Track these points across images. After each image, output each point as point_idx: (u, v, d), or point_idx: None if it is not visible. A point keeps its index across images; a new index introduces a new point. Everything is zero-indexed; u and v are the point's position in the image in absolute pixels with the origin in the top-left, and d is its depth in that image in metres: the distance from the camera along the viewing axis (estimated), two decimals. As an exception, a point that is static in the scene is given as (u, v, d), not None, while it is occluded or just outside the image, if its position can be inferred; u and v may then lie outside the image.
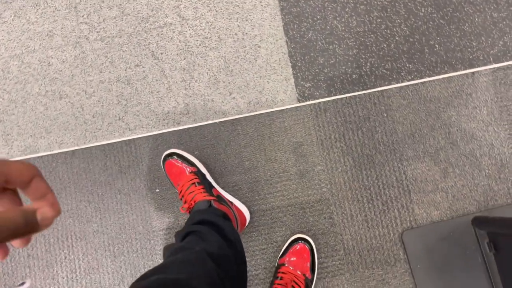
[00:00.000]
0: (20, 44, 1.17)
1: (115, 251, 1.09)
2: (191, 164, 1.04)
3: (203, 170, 1.06)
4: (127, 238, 1.09)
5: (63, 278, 1.08)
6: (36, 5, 1.18)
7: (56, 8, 1.17)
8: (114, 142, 1.12)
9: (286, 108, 1.12)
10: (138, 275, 1.02)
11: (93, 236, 1.10)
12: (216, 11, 1.16)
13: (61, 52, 1.16)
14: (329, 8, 1.15)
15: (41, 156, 1.13)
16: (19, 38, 1.17)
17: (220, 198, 0.99)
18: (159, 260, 1.07)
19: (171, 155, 1.04)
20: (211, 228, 0.81)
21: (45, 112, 1.14)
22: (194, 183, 0.98)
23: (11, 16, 1.18)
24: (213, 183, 1.05)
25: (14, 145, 1.13)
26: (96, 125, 1.13)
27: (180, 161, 1.03)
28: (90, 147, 1.12)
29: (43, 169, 1.12)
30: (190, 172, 1.01)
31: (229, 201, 1.04)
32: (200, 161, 1.08)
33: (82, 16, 1.17)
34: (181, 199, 0.98)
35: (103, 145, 1.12)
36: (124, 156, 1.12)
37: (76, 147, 1.12)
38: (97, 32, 1.16)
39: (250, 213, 1.08)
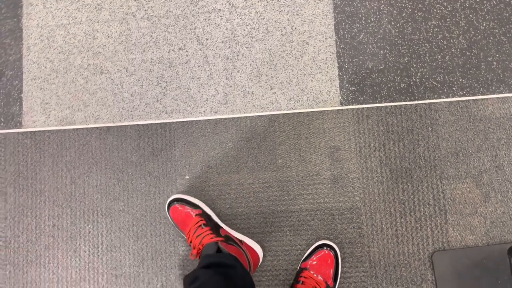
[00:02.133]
0: (68, 14, 1.23)
1: (139, 233, 1.15)
2: (196, 207, 1.09)
3: (208, 211, 1.11)
4: (151, 221, 1.14)
5: (85, 252, 1.15)
6: (88, -23, 1.23)
7: (107, -19, 1.23)
8: (149, 124, 1.18)
9: (327, 110, 1.15)
10: (159, 260, 1.08)
11: (119, 214, 1.16)
12: (267, 2, 1.19)
13: (107, 27, 1.21)
14: (385, 11, 1.16)
15: (77, 129, 1.19)
16: (67, 8, 1.23)
17: (228, 238, 1.03)
18: (180, 247, 1.13)
19: (174, 201, 1.09)
20: (217, 273, 0.85)
21: (85, 85, 1.20)
22: (201, 225, 1.03)
23: (61, -15, 1.24)
24: (220, 223, 1.10)
25: (52, 114, 1.20)
26: (133, 104, 1.19)
27: (184, 205, 1.08)
28: (125, 125, 1.18)
29: (77, 142, 1.19)
30: (196, 215, 1.06)
31: (238, 239, 1.08)
32: (206, 203, 1.13)
33: (132, -7, 1.22)
34: (189, 244, 1.03)
35: (138, 125, 1.18)
36: (158, 139, 1.17)
37: (112, 124, 1.18)
38: (145, 10, 1.21)
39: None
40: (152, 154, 1.17)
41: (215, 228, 1.04)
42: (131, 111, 1.19)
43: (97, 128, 1.19)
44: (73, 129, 1.19)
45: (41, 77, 1.22)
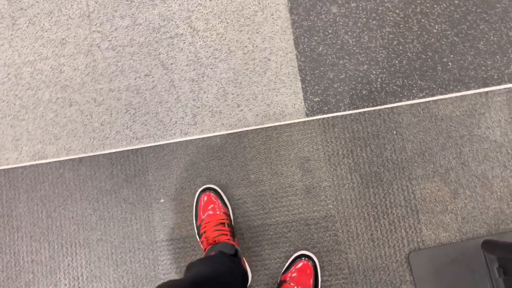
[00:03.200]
0: (33, 51, 1.28)
1: (118, 260, 1.18)
2: (225, 206, 1.15)
3: (232, 218, 1.16)
4: (130, 248, 1.18)
5: (66, 285, 1.18)
6: (50, 13, 1.29)
7: (70, 16, 1.29)
8: (121, 151, 1.22)
9: (294, 122, 1.21)
10: (140, 286, 1.11)
11: (97, 244, 1.19)
12: (227, 23, 1.26)
13: (73, 60, 1.27)
14: (341, 23, 1.23)
15: (49, 163, 1.23)
16: (33, 45, 1.29)
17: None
18: (161, 271, 1.16)
19: (210, 189, 1.15)
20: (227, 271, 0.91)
21: (55, 119, 1.25)
22: (224, 223, 1.08)
23: (25, 23, 1.30)
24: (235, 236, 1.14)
25: (23, 150, 1.24)
26: (104, 133, 1.23)
27: (217, 198, 1.14)
28: (97, 155, 1.23)
29: (51, 175, 1.22)
30: (223, 213, 1.11)
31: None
32: (232, 209, 1.18)
33: (95, 25, 1.28)
34: (201, 234, 1.07)
35: (110, 153, 1.23)
36: (131, 165, 1.22)
37: (84, 154, 1.23)
38: (109, 41, 1.27)
39: (255, 226, 1.16)
40: (126, 181, 1.21)
41: (233, 234, 1.10)
42: (102, 140, 1.23)
43: (69, 160, 1.23)
44: (46, 163, 1.23)
45: (11, 115, 1.26)
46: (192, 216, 1.17)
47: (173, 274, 1.16)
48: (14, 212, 1.22)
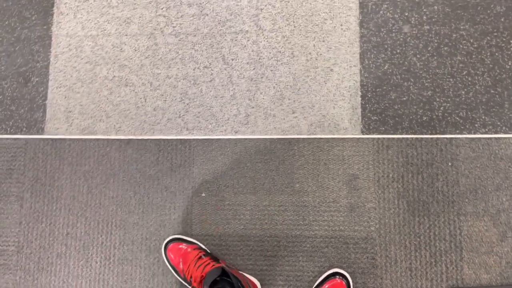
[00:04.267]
0: (97, 25, 1.31)
1: (151, 247, 1.20)
2: (192, 243, 1.16)
3: (204, 247, 1.17)
4: (165, 236, 1.20)
5: (97, 263, 1.21)
6: (119, -9, 1.32)
7: (138, -4, 1.31)
8: (170, 139, 1.24)
9: (348, 138, 1.21)
10: (169, 276, 1.13)
11: (133, 227, 1.22)
12: (295, 26, 1.26)
13: (135, 41, 1.29)
14: (411, 44, 1.23)
15: (97, 139, 1.26)
16: (97, 20, 1.31)
17: (229, 267, 1.09)
18: (193, 265, 1.18)
19: (170, 242, 1.16)
20: None
21: (108, 96, 1.28)
22: (200, 256, 1.10)
23: (93, -4, 1.32)
24: (218, 258, 1.16)
25: (74, 123, 1.27)
26: (155, 118, 1.26)
27: (180, 244, 1.15)
28: (145, 139, 1.25)
29: (97, 152, 1.25)
30: (194, 249, 1.13)
31: (240, 273, 1.13)
32: (199, 240, 1.19)
33: (162, 9, 1.30)
34: (189, 280, 1.08)
35: (158, 139, 1.25)
36: (177, 155, 1.24)
37: (132, 137, 1.25)
38: (173, 27, 1.29)
39: (293, 236, 1.17)
40: (171, 169, 1.24)
41: (215, 259, 1.11)
42: (152, 125, 1.26)
43: (117, 139, 1.26)
44: (94, 139, 1.26)
45: (66, 86, 1.29)
46: (229, 216, 1.19)
47: (204, 270, 1.17)
48: (56, 183, 1.25)
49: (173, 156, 1.24)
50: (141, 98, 1.27)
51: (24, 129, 1.28)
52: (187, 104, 1.26)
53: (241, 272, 1.14)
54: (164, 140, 1.25)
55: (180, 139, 1.25)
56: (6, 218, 1.25)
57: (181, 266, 1.12)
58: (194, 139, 1.24)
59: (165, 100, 1.27)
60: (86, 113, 1.28)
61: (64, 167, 1.26)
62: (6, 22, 1.34)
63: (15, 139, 1.28)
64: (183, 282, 1.14)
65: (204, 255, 1.10)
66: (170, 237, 1.17)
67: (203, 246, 1.17)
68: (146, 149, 1.25)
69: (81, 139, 1.27)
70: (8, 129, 1.28)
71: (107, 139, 1.26)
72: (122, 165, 1.25)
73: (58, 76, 1.30)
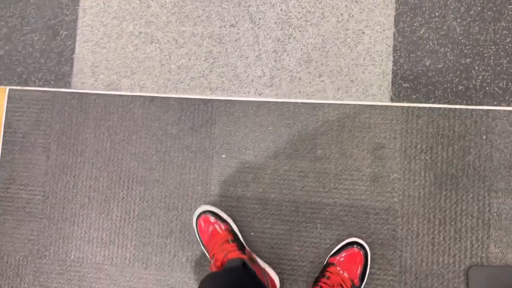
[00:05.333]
0: (125, -20, 1.32)
1: (170, 205, 1.24)
2: (225, 222, 1.16)
3: (236, 229, 1.17)
4: (183, 195, 1.23)
5: (117, 216, 1.26)
6: None
7: (167, -49, 1.30)
8: (192, 98, 1.26)
9: (376, 105, 1.18)
10: (187, 234, 1.16)
11: (153, 184, 1.25)
12: (327, -15, 1.23)
13: (162, -3, 1.30)
14: (452, 7, 1.17)
15: (122, 95, 1.29)
16: (126, -26, 1.32)
17: (252, 260, 1.09)
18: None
19: (205, 212, 1.16)
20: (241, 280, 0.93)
21: (134, 53, 1.29)
22: (228, 240, 1.10)
23: (122, -50, 1.33)
24: (245, 245, 1.16)
25: (100, 78, 1.30)
26: (179, 76, 1.27)
27: (214, 219, 1.15)
28: (169, 97, 1.27)
29: (121, 108, 1.28)
30: (224, 230, 1.13)
31: (262, 267, 1.13)
32: (233, 219, 1.19)
33: (190, -36, 1.29)
34: (211, 258, 1.09)
35: (181, 98, 1.26)
36: (199, 115, 1.25)
37: (156, 94, 1.27)
38: (201, -17, 1.28)
39: (312, 202, 1.17)
40: (192, 129, 1.25)
41: (241, 247, 1.11)
42: (176, 84, 1.27)
43: (141, 96, 1.28)
44: (118, 95, 1.29)
45: (93, 40, 1.32)
46: (248, 179, 1.20)
47: (221, 230, 1.20)
48: (81, 136, 1.30)
49: (195, 116, 1.26)
50: (166, 56, 1.28)
51: (52, 82, 1.33)
52: (211, 63, 1.26)
53: (263, 267, 1.15)
54: (187, 99, 1.26)
55: (203, 99, 1.26)
56: (33, 168, 1.32)
57: (206, 240, 1.15)
58: (216, 100, 1.25)
59: (190, 59, 1.27)
60: (111, 68, 1.30)
61: (89, 122, 1.30)
62: (37, -25, 1.37)
63: (43, 91, 1.33)
64: (206, 253, 1.16)
65: (232, 240, 1.11)
66: (207, 208, 1.17)
67: (235, 228, 1.17)
68: (169, 107, 1.27)
69: (106, 94, 1.30)
70: (37, 81, 1.33)
71: (131, 96, 1.29)
72: (145, 122, 1.28)
73: (85, 30, 1.33)
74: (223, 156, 1.23)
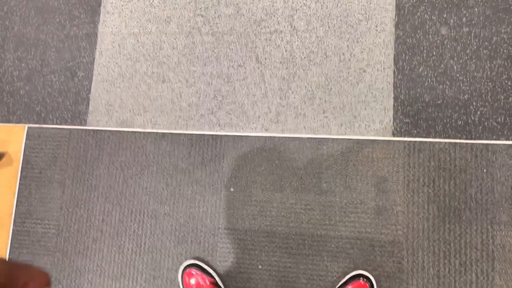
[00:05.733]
0: (139, 24, 1.42)
1: (180, 238, 1.28)
2: (209, 275, 1.21)
3: (220, 283, 1.22)
4: (193, 228, 1.27)
5: (128, 249, 1.30)
6: (161, -9, 1.42)
7: (178, -3, 1.40)
8: (202, 134, 1.32)
9: (379, 140, 1.23)
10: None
11: (163, 218, 1.30)
12: (329, 27, 1.31)
13: (173, 39, 1.38)
14: (448, 46, 1.24)
15: (134, 132, 1.36)
16: (140, 19, 1.42)
17: None
18: (218, 257, 1.24)
19: (190, 266, 1.22)
20: None
21: (147, 92, 1.37)
22: None
23: (137, -3, 1.43)
24: None
25: (114, 116, 1.38)
26: (189, 113, 1.34)
27: (199, 271, 1.21)
28: (179, 133, 1.33)
29: (133, 144, 1.35)
30: (210, 283, 1.19)
31: None
32: (218, 274, 1.24)
33: (200, 9, 1.38)
34: None
35: (191, 134, 1.33)
36: (209, 150, 1.31)
37: (167, 131, 1.34)
38: (210, 26, 1.37)
39: (318, 235, 1.21)
40: (202, 164, 1.31)
41: None
42: (186, 120, 1.34)
43: (153, 133, 1.35)
44: (131, 131, 1.36)
45: (108, 80, 1.40)
46: (255, 212, 1.24)
47: (229, 262, 1.24)
48: (95, 172, 1.36)
49: (204, 151, 1.32)
50: (177, 94, 1.36)
51: (69, 120, 1.41)
52: (220, 101, 1.33)
53: None
54: (196, 135, 1.33)
55: (212, 135, 1.32)
56: (49, 203, 1.37)
57: None
58: (225, 135, 1.31)
59: (199, 97, 1.35)
60: (125, 106, 1.38)
61: (103, 157, 1.37)
62: (57, 20, 1.48)
63: (60, 129, 1.41)
64: None
65: None
66: (192, 262, 1.23)
67: (219, 282, 1.21)
68: (179, 143, 1.33)
69: (119, 131, 1.37)
70: (55, 119, 1.41)
71: (144, 132, 1.36)
72: (156, 158, 1.34)
73: (101, 71, 1.42)
74: (232, 189, 1.28)
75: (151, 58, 1.39)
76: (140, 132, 1.36)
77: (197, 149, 1.32)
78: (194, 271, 1.21)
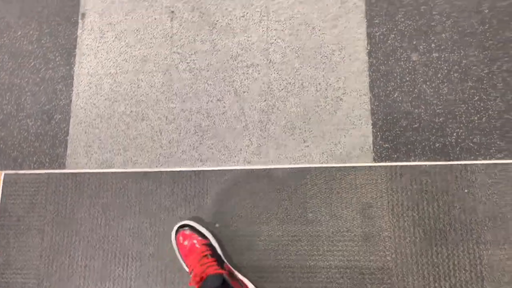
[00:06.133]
0: (116, 64, 1.42)
1: (166, 279, 1.25)
2: (203, 236, 1.21)
3: (215, 243, 1.22)
4: (180, 268, 1.25)
5: (113, 295, 1.26)
6: (137, 31, 1.44)
7: (154, 36, 1.42)
8: (184, 170, 1.31)
9: (360, 166, 1.25)
10: (185, 308, 1.17)
11: (148, 259, 1.27)
12: (304, 58, 1.34)
13: (151, 77, 1.39)
14: (420, 71, 1.28)
15: (115, 172, 1.34)
16: (116, 59, 1.43)
17: (231, 274, 1.13)
18: (207, 296, 1.22)
19: (183, 226, 1.22)
20: None
21: (126, 131, 1.37)
22: (206, 255, 1.15)
23: (112, 37, 1.45)
24: (223, 258, 1.20)
25: (93, 157, 1.36)
26: (170, 151, 1.33)
27: (192, 233, 1.20)
28: (161, 171, 1.32)
29: (115, 185, 1.33)
30: (202, 244, 1.18)
31: (240, 279, 1.17)
32: (213, 235, 1.23)
33: (176, 46, 1.40)
34: (190, 273, 1.13)
35: (173, 171, 1.32)
36: (191, 186, 1.30)
37: (148, 169, 1.33)
38: (187, 63, 1.39)
39: (307, 267, 1.20)
40: (185, 200, 1.30)
41: (220, 261, 1.14)
42: (167, 158, 1.33)
43: (134, 172, 1.34)
44: (112, 172, 1.35)
45: (86, 122, 1.40)
46: (243, 247, 1.23)
47: (219, 302, 1.21)
48: (75, 216, 1.34)
49: (187, 187, 1.31)
50: (156, 132, 1.36)
51: (47, 164, 1.38)
52: (201, 136, 1.34)
53: (242, 279, 1.17)
54: (179, 172, 1.32)
55: (194, 171, 1.32)
56: (28, 251, 1.33)
57: (186, 253, 1.17)
58: (207, 170, 1.31)
59: (180, 133, 1.35)
60: (104, 147, 1.37)
61: (83, 200, 1.34)
62: (32, 64, 1.47)
63: (38, 174, 1.38)
64: (185, 268, 1.18)
65: (210, 254, 1.14)
66: (183, 222, 1.22)
67: (214, 243, 1.20)
68: (161, 181, 1.32)
69: (99, 172, 1.35)
70: (32, 164, 1.39)
71: (125, 172, 1.34)
72: (139, 197, 1.32)
73: (79, 112, 1.41)
74: (217, 225, 1.27)
75: (129, 97, 1.40)
76: (121, 172, 1.35)
77: (180, 186, 1.31)
78: (187, 231, 1.19)
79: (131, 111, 1.38)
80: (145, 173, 1.34)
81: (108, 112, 1.40)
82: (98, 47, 1.45)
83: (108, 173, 1.35)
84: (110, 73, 1.42)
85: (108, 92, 1.41)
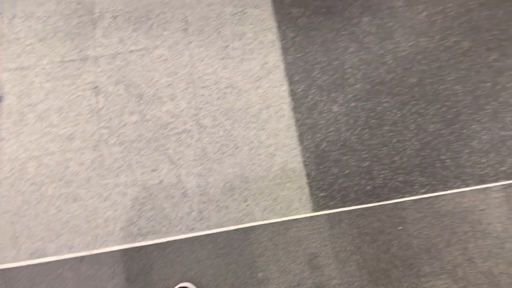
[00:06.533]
0: (40, 146, 1.37)
1: None
2: None
3: None
4: None
5: None
6: (60, 109, 1.41)
7: (79, 112, 1.40)
8: (124, 249, 1.26)
9: (301, 217, 1.29)
10: None
11: None
12: (234, 119, 1.39)
13: (79, 155, 1.36)
14: (342, 121, 1.38)
15: (48, 262, 1.26)
16: (40, 140, 1.38)
17: None
18: None
19: None
20: None
21: (57, 215, 1.30)
22: None
23: (33, 119, 1.40)
24: None
25: (22, 248, 1.27)
26: (108, 229, 1.28)
27: None
28: (99, 253, 1.26)
29: (49, 275, 1.24)
30: None
31: None
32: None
33: (104, 121, 1.39)
34: None
35: (113, 251, 1.26)
36: (134, 263, 1.25)
37: (86, 253, 1.26)
38: (117, 136, 1.37)
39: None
40: (128, 280, 1.24)
41: None
42: (105, 237, 1.28)
43: (70, 258, 1.26)
44: (45, 262, 1.26)
45: (12, 211, 1.31)
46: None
47: None
48: (6, 317, 1.22)
49: (129, 266, 1.25)
50: (91, 211, 1.31)
51: (-32, 264, 1.26)
52: (139, 209, 1.31)
53: None
54: (118, 250, 1.27)
55: (135, 247, 1.27)
56: None
57: None
58: (149, 245, 1.27)
59: (116, 209, 1.31)
60: (34, 235, 1.28)
61: (14, 298, 1.23)
62: None
63: (-42, 276, 1.25)
64: None
65: None
66: (184, 284, 1.19)
67: None
68: (101, 264, 1.26)
69: (31, 264, 1.26)
70: (-50, 266, 1.26)
71: (59, 260, 1.26)
72: (77, 285, 1.24)
73: (1, 202, 1.32)
74: (166, 301, 1.22)
75: (58, 179, 1.34)
76: (55, 261, 1.26)
77: (121, 266, 1.25)
78: None
79: (61, 193, 1.32)
80: (82, 257, 1.26)
81: (35, 197, 1.32)
82: (19, 130, 1.39)
83: (40, 264, 1.26)
84: (34, 156, 1.36)
85: (33, 176, 1.34)
